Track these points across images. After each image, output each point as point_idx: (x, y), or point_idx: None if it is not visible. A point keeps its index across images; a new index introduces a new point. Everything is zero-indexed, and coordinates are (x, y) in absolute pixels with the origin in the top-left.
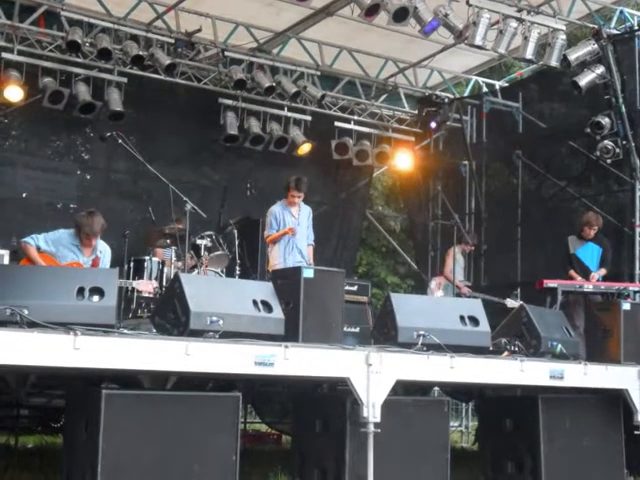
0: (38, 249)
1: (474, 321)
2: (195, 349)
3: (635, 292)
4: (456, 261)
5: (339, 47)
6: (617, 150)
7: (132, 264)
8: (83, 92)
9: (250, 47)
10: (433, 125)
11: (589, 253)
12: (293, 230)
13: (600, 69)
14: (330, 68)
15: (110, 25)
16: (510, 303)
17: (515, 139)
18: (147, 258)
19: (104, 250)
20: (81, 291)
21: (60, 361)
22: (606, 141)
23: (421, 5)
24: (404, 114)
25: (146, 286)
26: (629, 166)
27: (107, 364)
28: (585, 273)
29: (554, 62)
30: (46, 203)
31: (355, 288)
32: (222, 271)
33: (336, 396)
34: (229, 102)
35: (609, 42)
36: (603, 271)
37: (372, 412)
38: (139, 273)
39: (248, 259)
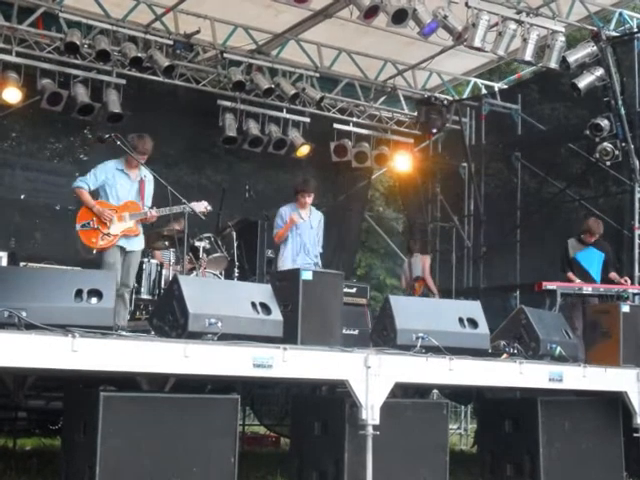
0: (89, 189)
1: (473, 323)
2: (193, 351)
3: (634, 294)
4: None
5: (338, 49)
6: (616, 152)
7: None
8: (81, 94)
9: (249, 49)
10: (434, 131)
11: (590, 258)
12: (295, 219)
13: (599, 71)
14: (329, 70)
15: (109, 27)
16: None
17: (514, 141)
18: (146, 260)
19: (148, 175)
20: (79, 293)
21: (58, 363)
22: (605, 143)
23: (420, 7)
24: (403, 116)
25: (200, 207)
26: (628, 168)
27: (105, 366)
28: (584, 277)
29: (553, 64)
30: (44, 205)
31: (354, 290)
32: (221, 273)
33: (335, 398)
34: (228, 104)
35: (608, 44)
36: (614, 274)
37: (371, 414)
38: (138, 275)
39: (247, 261)
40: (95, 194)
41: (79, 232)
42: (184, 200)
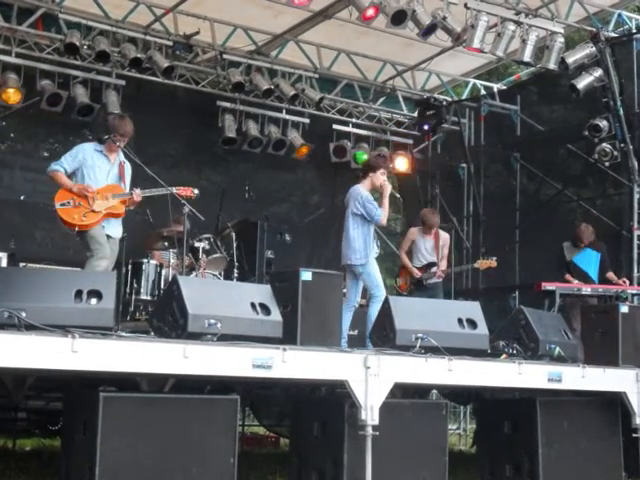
0: (66, 172)
1: (472, 324)
2: (193, 352)
3: (633, 295)
4: (415, 245)
5: (337, 50)
6: (615, 153)
7: (130, 267)
8: (81, 94)
9: (248, 50)
10: (426, 127)
11: (587, 259)
12: None
13: (598, 72)
14: (328, 71)
15: (108, 28)
16: (478, 263)
17: (513, 142)
18: (145, 261)
19: (126, 161)
20: (79, 294)
21: (58, 364)
22: (604, 144)
23: (419, 8)
24: (402, 117)
25: (186, 191)
26: (627, 169)
27: (105, 367)
28: (584, 279)
29: (552, 65)
30: (44, 205)
31: None
32: (220, 274)
33: (334, 399)
34: (227, 105)
35: (607, 45)
36: (612, 274)
37: (370, 415)
38: (137, 276)
39: (246, 262)
40: (70, 178)
41: (58, 210)
42: (187, 205)
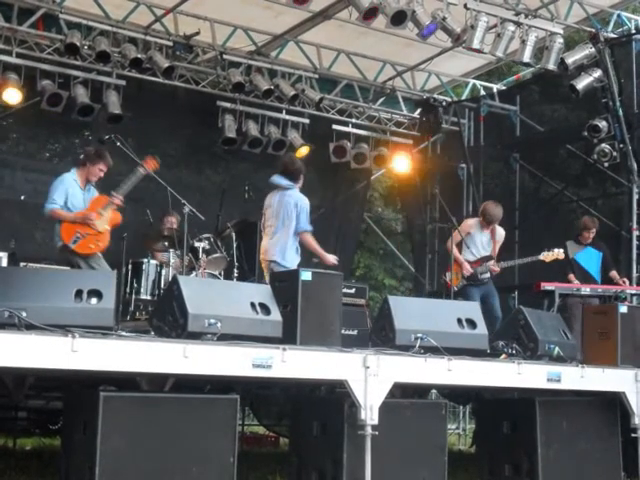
0: (61, 206)
1: (472, 324)
2: (193, 351)
3: (632, 295)
4: (470, 237)
5: (337, 50)
6: (614, 153)
7: (130, 267)
8: (81, 95)
9: (248, 50)
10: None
11: (588, 258)
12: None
13: (597, 72)
14: (328, 71)
15: (109, 28)
16: (544, 255)
17: (513, 142)
18: (145, 260)
19: (92, 188)
20: (79, 293)
21: (58, 363)
22: (603, 144)
23: (419, 8)
24: (402, 117)
25: (150, 164)
26: (626, 169)
27: (105, 366)
28: (585, 277)
29: (552, 65)
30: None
31: (353, 291)
32: (220, 274)
33: (334, 399)
34: (227, 105)
35: (606, 46)
36: (614, 273)
37: (370, 415)
38: (137, 276)
39: (246, 262)
40: None
41: (75, 249)
42: (187, 205)
